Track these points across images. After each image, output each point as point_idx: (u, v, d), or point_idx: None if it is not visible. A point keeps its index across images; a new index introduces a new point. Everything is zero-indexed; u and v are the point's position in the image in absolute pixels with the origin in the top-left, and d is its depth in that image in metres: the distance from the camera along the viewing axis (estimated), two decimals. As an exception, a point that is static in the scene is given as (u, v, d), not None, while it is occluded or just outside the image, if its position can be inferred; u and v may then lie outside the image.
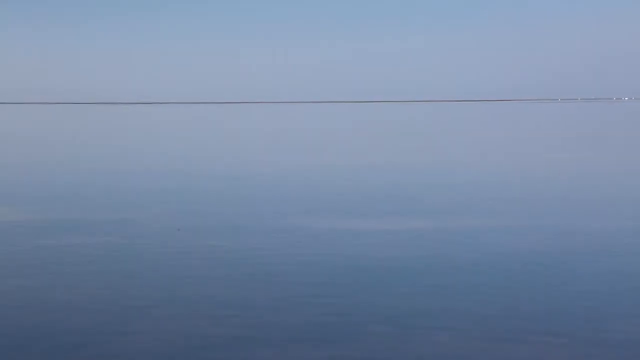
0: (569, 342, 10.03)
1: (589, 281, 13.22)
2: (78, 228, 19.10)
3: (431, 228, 18.73)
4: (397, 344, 9.99)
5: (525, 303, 11.82)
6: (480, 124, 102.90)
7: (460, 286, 12.90)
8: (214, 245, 16.70)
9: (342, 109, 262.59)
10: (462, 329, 10.55)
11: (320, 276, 13.72)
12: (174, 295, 12.46)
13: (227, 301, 12.07)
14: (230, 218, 20.51)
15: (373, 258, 15.22)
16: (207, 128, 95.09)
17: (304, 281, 13.36)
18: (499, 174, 32.76)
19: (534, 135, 69.39)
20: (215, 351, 9.79)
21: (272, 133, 79.02)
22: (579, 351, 9.69)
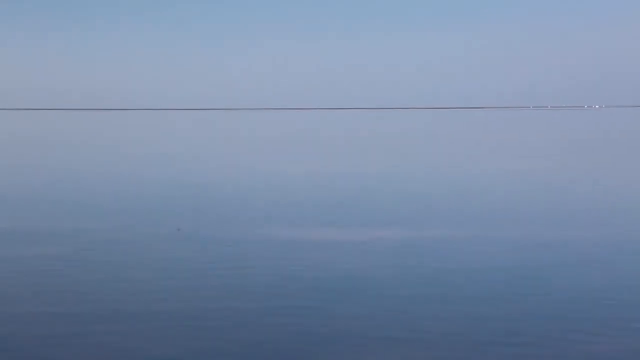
0: (536, 352, 9.90)
1: (558, 291, 13.12)
2: (46, 236, 18.74)
3: (401, 239, 18.57)
4: (361, 357, 9.82)
5: (494, 313, 11.67)
6: (451, 133, 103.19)
7: (428, 298, 12.73)
8: (178, 256, 16.43)
9: (339, 116, 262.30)
10: (427, 341, 10.38)
11: (285, 288, 13.49)
12: (130, 309, 12.17)
13: (187, 314, 11.82)
14: (196, 227, 20.21)
15: (339, 269, 14.99)
16: (194, 136, 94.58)
17: (268, 293, 13.14)
18: (470, 183, 32.71)
19: (504, 144, 69.62)
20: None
21: (260, 141, 78.72)
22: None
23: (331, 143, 72.19)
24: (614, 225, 20.71)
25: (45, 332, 11.05)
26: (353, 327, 11.13)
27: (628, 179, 34.86)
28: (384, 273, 14.69)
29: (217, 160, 48.66)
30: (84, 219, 22.09)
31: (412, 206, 24.68)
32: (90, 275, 14.68)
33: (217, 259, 16.19)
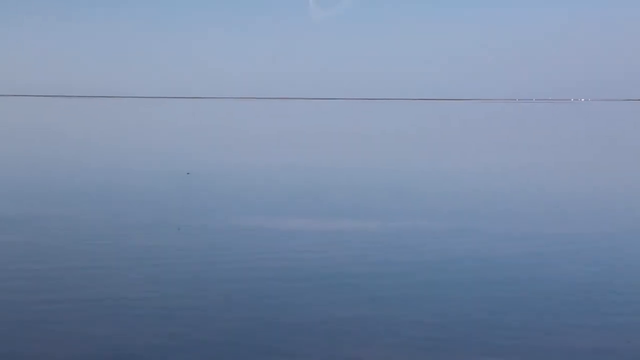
0: (513, 346, 9.76)
1: (536, 284, 12.97)
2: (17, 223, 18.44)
3: (374, 231, 18.38)
4: (323, 355, 9.66)
5: (456, 310, 11.51)
6: (435, 125, 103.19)
7: (392, 293, 12.52)
8: (136, 244, 16.17)
9: (331, 106, 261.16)
10: (401, 333, 10.21)
11: (257, 277, 13.27)
12: (95, 296, 11.91)
13: (141, 308, 11.51)
14: (158, 217, 19.86)
15: (303, 262, 14.73)
16: (180, 125, 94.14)
17: (237, 283, 12.91)
18: (442, 176, 32.57)
19: (490, 137, 69.55)
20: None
21: (243, 131, 78.38)
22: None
23: (319, 135, 71.96)
24: (594, 220, 20.63)
25: (9, 318, 10.85)
26: (323, 319, 10.95)
27: (614, 173, 34.82)
28: (360, 264, 14.50)
29: (202, 150, 48.37)
30: (63, 206, 21.79)
31: (390, 198, 24.48)
32: (57, 263, 14.43)
33: (191, 248, 15.95)
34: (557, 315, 11.32)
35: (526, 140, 61.07)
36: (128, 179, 29.39)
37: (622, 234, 18.24)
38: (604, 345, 10.10)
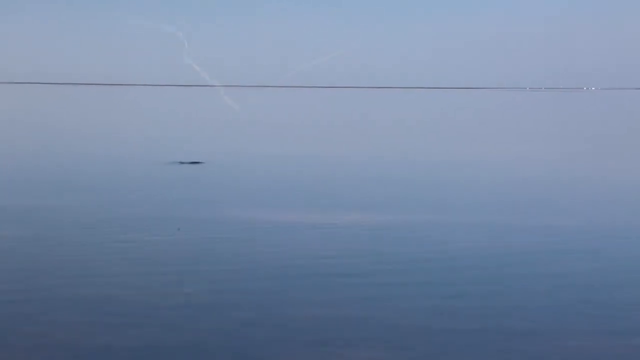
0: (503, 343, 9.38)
1: (518, 282, 12.57)
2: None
3: (378, 224, 17.99)
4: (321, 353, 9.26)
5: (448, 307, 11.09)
6: (443, 114, 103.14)
7: (384, 290, 12.06)
8: (124, 239, 15.70)
9: (328, 95, 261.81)
10: (381, 342, 9.81)
11: (232, 279, 12.81)
12: (84, 295, 11.55)
13: (123, 307, 11.01)
14: (145, 210, 19.38)
15: (290, 258, 14.22)
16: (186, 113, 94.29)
17: (230, 278, 12.54)
18: (458, 168, 32.22)
19: (498, 127, 69.28)
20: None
21: (237, 120, 78.39)
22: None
23: (324, 124, 71.95)
24: (594, 213, 20.20)
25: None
26: (316, 318, 10.54)
27: (620, 165, 34.48)
28: (343, 262, 14.06)
29: (201, 139, 48.25)
30: (58, 198, 21.47)
31: (394, 191, 24.11)
32: (48, 258, 14.06)
33: (182, 242, 15.56)
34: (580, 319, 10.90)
35: (536, 130, 60.64)
36: (127, 168, 29.08)
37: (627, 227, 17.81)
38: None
